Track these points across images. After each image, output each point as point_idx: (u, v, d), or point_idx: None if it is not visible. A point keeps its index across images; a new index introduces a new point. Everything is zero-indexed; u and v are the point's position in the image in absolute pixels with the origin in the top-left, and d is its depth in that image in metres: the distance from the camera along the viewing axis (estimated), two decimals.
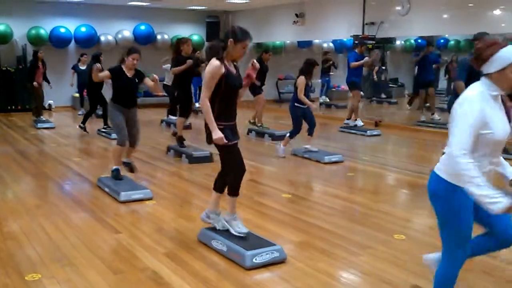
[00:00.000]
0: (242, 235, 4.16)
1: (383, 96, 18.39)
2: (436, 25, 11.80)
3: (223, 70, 3.92)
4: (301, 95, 7.77)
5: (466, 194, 2.56)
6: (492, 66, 2.60)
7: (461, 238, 2.79)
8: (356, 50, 10.98)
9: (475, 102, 2.58)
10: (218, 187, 4.37)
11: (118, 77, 6.04)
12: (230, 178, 4.22)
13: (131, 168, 6.43)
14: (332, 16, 13.66)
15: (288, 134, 8.12)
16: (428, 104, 12.34)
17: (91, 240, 4.47)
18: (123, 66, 6.05)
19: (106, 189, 5.96)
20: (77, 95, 14.78)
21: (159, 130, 11.20)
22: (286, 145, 8.15)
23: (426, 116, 12.01)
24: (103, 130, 10.27)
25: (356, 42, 11.73)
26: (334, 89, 18.49)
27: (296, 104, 7.88)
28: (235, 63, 4.13)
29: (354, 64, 10.68)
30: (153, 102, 15.25)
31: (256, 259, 3.84)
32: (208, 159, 7.72)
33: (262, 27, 15.95)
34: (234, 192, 4.24)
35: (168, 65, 11.08)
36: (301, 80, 7.81)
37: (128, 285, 3.62)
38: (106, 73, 6.10)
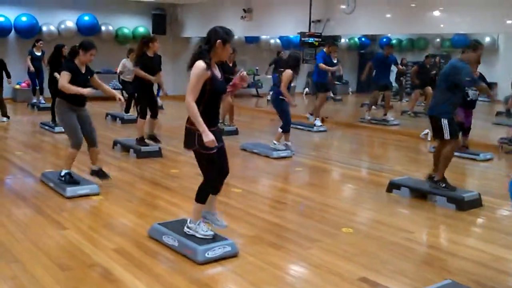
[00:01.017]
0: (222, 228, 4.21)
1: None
2: (380, 24, 12.12)
3: (209, 73, 3.76)
4: (284, 89, 7.80)
5: None
6: None
7: None
8: (324, 49, 11.06)
9: None
10: (203, 199, 4.10)
11: (75, 74, 5.51)
12: (207, 184, 4.07)
13: (103, 174, 5.93)
14: (279, 12, 13.76)
15: (280, 130, 8.04)
16: (382, 103, 12.71)
17: (37, 236, 4.34)
18: (76, 61, 5.58)
19: (51, 184, 5.78)
20: (18, 86, 14.26)
21: (104, 124, 10.95)
22: (279, 141, 8.10)
23: (372, 115, 12.20)
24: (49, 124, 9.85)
25: (321, 40, 11.97)
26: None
27: (280, 97, 7.90)
28: (219, 65, 4.01)
29: (323, 66, 10.77)
30: (97, 95, 14.87)
31: (208, 254, 3.84)
32: (157, 153, 7.64)
33: (210, 22, 15.75)
34: (216, 192, 4.22)
35: (128, 62, 10.84)
36: (288, 73, 7.81)
37: (77, 281, 3.55)
38: (67, 76, 5.44)
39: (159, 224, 4.39)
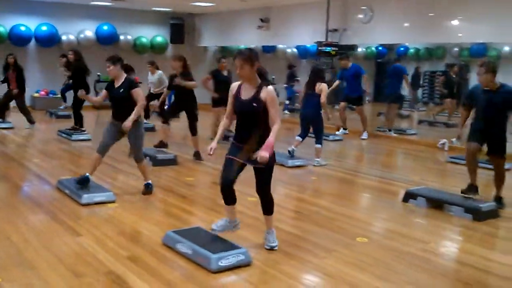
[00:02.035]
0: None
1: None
2: (397, 33, 12.08)
3: (234, 91, 4.18)
4: (325, 101, 7.90)
5: None
6: None
7: None
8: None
9: None
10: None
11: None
12: None
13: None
14: (296, 22, 13.79)
15: (319, 146, 8.11)
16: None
17: (52, 243, 4.37)
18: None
19: (67, 191, 5.83)
20: (37, 94, 14.48)
21: None
22: (319, 156, 8.15)
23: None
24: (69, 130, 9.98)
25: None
26: (298, 94, 18.64)
27: (320, 111, 8.00)
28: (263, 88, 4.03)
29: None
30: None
31: (221, 262, 3.83)
32: (172, 162, 7.67)
33: (227, 31, 15.98)
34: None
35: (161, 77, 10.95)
36: (325, 87, 7.92)
37: None
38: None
39: (173, 232, 4.40)
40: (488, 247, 4.82)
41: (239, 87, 4.12)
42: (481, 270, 4.08)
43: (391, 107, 11.75)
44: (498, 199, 5.87)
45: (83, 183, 5.74)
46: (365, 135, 11.17)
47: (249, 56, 3.99)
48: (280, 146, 8.81)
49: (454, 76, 13.49)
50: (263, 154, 3.88)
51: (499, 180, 5.91)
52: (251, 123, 4.05)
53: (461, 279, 3.89)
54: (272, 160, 4.06)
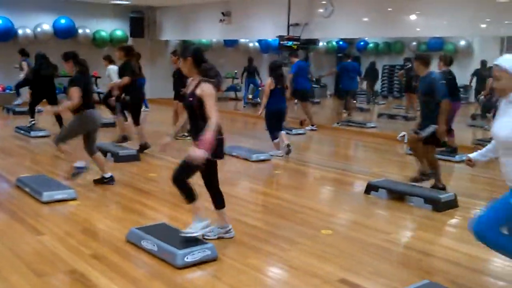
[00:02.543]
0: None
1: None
2: (357, 28, 12.24)
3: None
4: (263, 96, 8.06)
5: None
6: None
7: None
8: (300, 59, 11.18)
9: None
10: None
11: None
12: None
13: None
14: (258, 16, 13.79)
15: (275, 140, 8.18)
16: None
17: (12, 242, 4.26)
18: None
19: (27, 189, 5.69)
20: None
21: None
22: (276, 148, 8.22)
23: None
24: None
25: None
26: (260, 88, 18.71)
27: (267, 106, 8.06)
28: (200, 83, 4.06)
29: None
30: None
31: (187, 258, 3.82)
32: (134, 157, 7.58)
33: (189, 25, 15.84)
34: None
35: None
36: (267, 81, 8.00)
37: None
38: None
39: (137, 228, 4.36)
40: (448, 236, 4.97)
41: (189, 82, 4.21)
42: (441, 259, 4.19)
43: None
44: (438, 187, 6.03)
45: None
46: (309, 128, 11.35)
47: (182, 51, 4.19)
48: (240, 140, 8.83)
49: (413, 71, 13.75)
50: (192, 153, 3.90)
51: (432, 168, 6.07)
52: (193, 117, 4.13)
53: (422, 268, 3.99)
54: (217, 154, 4.14)
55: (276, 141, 8.17)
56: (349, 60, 12.79)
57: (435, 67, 7.07)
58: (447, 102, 5.81)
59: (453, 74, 8.03)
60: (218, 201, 4.42)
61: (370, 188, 6.11)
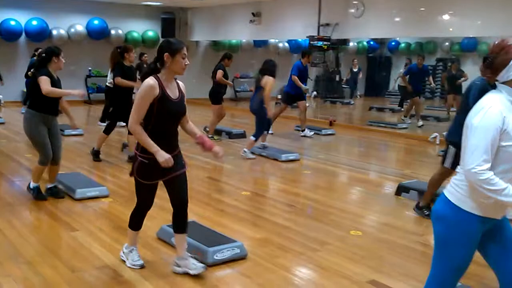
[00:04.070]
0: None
1: (336, 96, 18.77)
2: (388, 28, 12.11)
3: (157, 91, 3.36)
4: (269, 96, 7.67)
5: (474, 222, 2.37)
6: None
7: (454, 269, 2.52)
8: (302, 61, 10.09)
9: (495, 111, 2.26)
10: (133, 225, 3.87)
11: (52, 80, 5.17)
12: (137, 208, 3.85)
13: (57, 193, 5.54)
14: (288, 16, 13.78)
15: (253, 138, 7.86)
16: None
17: (46, 238, 4.37)
18: (49, 67, 5.19)
19: (60, 186, 5.81)
20: None
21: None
22: (250, 148, 7.97)
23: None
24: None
25: (304, 51, 10.56)
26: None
27: (264, 105, 7.69)
28: (179, 83, 3.63)
29: (296, 78, 9.90)
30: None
31: (217, 256, 3.86)
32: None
33: (219, 25, 15.94)
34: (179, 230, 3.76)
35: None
36: (270, 80, 7.66)
37: (87, 283, 3.57)
38: (46, 80, 5.10)
39: (168, 226, 4.40)
40: None
41: (162, 85, 3.39)
42: (474, 262, 4.11)
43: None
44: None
45: None
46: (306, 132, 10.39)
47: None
48: (273, 141, 8.83)
49: (453, 71, 13.46)
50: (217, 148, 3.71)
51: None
52: (177, 126, 3.61)
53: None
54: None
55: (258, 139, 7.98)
56: (414, 62, 12.56)
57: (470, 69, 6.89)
58: None
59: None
60: (184, 223, 3.81)
61: (401, 190, 6.05)
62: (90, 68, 15.11)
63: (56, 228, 4.63)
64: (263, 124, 7.93)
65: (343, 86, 18.99)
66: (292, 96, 10.16)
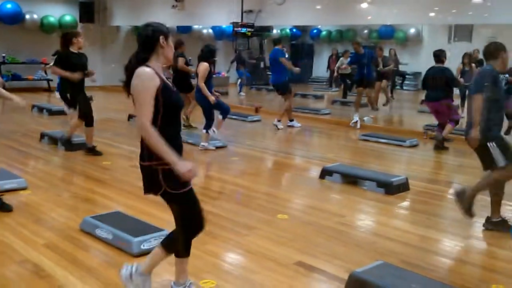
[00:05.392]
0: None
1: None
2: (310, 15, 12.35)
3: (158, 81, 2.78)
4: (201, 83, 7.33)
5: None
6: None
7: None
8: (279, 47, 9.98)
9: None
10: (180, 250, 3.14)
11: None
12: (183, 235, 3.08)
13: None
14: (211, 2, 13.68)
15: (204, 130, 7.59)
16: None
17: None
18: None
19: None
20: None
21: (30, 116, 10.49)
22: (207, 140, 7.65)
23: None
24: None
25: (276, 39, 10.53)
26: (214, 75, 18.61)
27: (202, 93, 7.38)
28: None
29: (285, 61, 9.80)
30: (23, 86, 14.32)
31: (144, 245, 3.79)
32: (85, 145, 7.41)
33: (140, 10, 15.54)
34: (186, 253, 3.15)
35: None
36: (204, 66, 7.35)
37: (7, 279, 3.41)
38: None
39: (91, 217, 4.28)
40: (400, 218, 5.11)
41: (158, 73, 2.81)
42: (394, 240, 4.31)
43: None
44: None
45: None
46: (280, 125, 10.13)
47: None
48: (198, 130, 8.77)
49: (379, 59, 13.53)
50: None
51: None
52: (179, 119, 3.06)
53: (376, 250, 4.10)
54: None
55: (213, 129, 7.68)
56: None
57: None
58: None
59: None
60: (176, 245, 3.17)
61: (325, 173, 6.21)
62: (4, 55, 14.28)
63: None
64: (210, 113, 7.58)
65: (268, 73, 19.15)
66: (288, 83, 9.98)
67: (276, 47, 10.04)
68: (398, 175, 6.04)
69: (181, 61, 9.08)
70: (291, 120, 10.33)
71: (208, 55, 7.55)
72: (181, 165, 2.72)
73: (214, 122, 7.69)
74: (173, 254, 3.12)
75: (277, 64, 9.78)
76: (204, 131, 7.64)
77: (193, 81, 8.86)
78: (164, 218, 4.58)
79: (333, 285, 3.48)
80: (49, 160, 6.88)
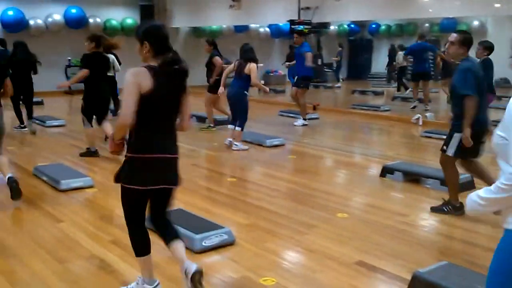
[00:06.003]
0: None
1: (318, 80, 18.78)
2: (368, 10, 12.13)
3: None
4: (257, 81, 7.58)
5: None
6: None
7: None
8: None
9: None
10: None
11: None
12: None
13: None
14: (268, 0, 13.70)
15: (239, 128, 7.53)
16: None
17: (32, 230, 4.33)
18: None
19: (44, 178, 5.76)
20: None
21: None
22: (239, 139, 7.62)
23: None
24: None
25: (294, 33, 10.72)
26: (271, 74, 18.67)
27: (246, 92, 7.49)
28: None
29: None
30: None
31: (205, 242, 3.86)
32: None
33: (198, 11, 15.80)
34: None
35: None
36: (255, 66, 7.41)
37: (75, 274, 3.55)
38: None
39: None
40: (465, 217, 4.94)
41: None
42: (458, 240, 4.19)
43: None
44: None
45: None
46: (299, 122, 10.09)
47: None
48: (257, 127, 8.84)
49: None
50: None
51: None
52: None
53: (439, 249, 4.00)
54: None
55: None
56: (419, 41, 11.89)
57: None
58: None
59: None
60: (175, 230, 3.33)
61: (386, 171, 6.10)
62: (69, 58, 14.88)
63: (42, 220, 4.59)
64: (245, 112, 7.64)
65: (325, 70, 19.01)
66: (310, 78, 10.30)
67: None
68: (462, 173, 5.84)
69: (219, 60, 9.02)
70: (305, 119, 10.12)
71: (253, 55, 7.54)
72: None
73: (231, 133, 7.67)
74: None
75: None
76: (239, 128, 7.56)
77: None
78: (225, 216, 4.67)
79: (395, 285, 3.41)
80: (114, 158, 7.10)
